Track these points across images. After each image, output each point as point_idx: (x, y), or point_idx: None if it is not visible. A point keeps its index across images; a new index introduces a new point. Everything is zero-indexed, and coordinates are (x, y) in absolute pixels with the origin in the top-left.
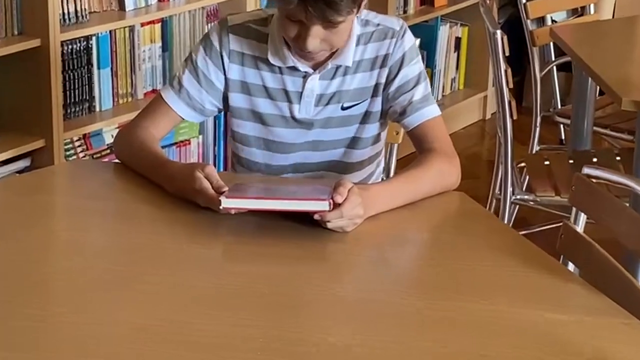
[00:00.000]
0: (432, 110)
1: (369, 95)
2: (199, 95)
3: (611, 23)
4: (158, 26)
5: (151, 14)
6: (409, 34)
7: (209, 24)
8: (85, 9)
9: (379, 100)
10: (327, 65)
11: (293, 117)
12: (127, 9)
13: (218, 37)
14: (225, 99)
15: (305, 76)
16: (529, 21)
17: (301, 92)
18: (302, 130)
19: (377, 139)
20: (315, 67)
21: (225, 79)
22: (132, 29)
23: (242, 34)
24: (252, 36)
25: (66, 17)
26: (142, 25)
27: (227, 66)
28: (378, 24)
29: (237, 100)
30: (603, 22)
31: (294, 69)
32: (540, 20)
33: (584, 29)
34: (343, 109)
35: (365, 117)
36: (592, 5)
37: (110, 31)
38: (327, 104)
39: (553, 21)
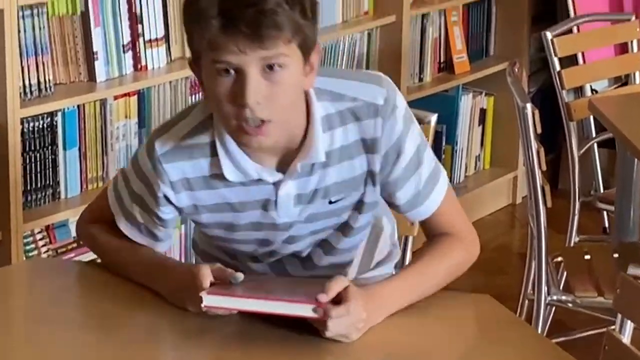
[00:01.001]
0: (440, 190)
1: (361, 185)
2: (155, 229)
3: None
4: (134, 99)
5: (126, 86)
6: (399, 102)
7: (193, 96)
8: (49, 80)
9: (376, 189)
10: (295, 167)
11: (273, 224)
12: (98, 80)
13: (149, 169)
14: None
15: (276, 184)
16: (564, 92)
17: (275, 200)
18: (284, 232)
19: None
20: (283, 171)
21: (177, 207)
22: (103, 102)
23: (180, 158)
24: (193, 155)
25: (27, 90)
26: (116, 98)
27: (173, 199)
28: (355, 98)
29: (198, 218)
30: None
31: (259, 181)
32: (578, 90)
33: (628, 101)
34: (331, 203)
35: (359, 206)
36: (637, 73)
37: (78, 106)
38: (310, 202)
39: (593, 91)
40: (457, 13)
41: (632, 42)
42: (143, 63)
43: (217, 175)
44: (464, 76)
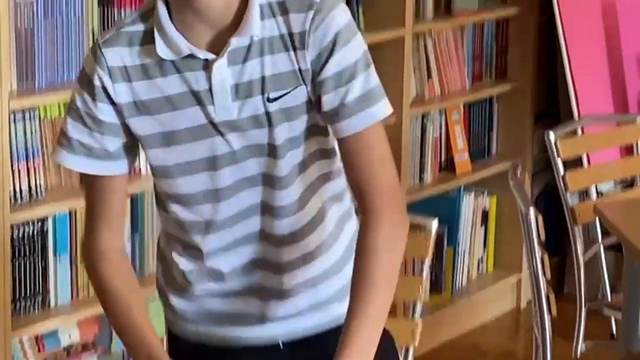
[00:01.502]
0: (369, 116)
1: (296, 83)
2: (92, 139)
3: None
4: (127, 203)
5: None
6: (338, 8)
7: None
8: (40, 185)
9: (306, 90)
10: (228, 44)
11: (212, 122)
12: None
13: (90, 60)
14: (128, 131)
15: (208, 65)
16: (568, 194)
17: (210, 88)
18: (226, 139)
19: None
20: (216, 52)
21: (115, 107)
22: None
23: (118, 43)
24: (132, 41)
25: (17, 195)
26: None
27: (111, 90)
28: None
29: (139, 126)
30: None
31: (191, 58)
32: (583, 192)
33: (634, 206)
34: (270, 100)
35: (290, 114)
36: None
37: (70, 210)
38: (248, 95)
39: (599, 193)
40: (458, 112)
41: (637, 143)
42: (137, 167)
43: (155, 64)
44: (466, 176)
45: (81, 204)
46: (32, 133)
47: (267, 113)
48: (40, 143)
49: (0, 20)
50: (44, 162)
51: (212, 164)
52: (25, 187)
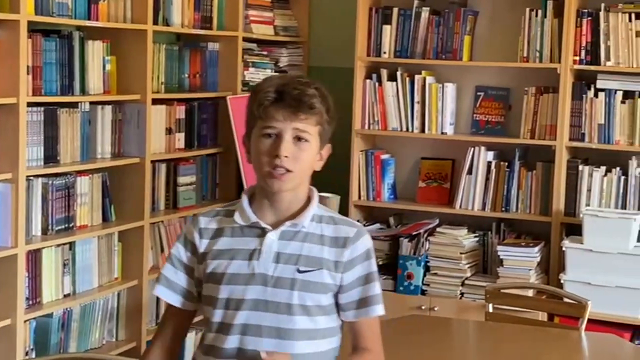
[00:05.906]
0: (380, 309)
1: (327, 268)
2: (175, 276)
3: None
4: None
5: None
6: (367, 237)
7: None
8: None
9: (337, 276)
10: (284, 224)
11: (252, 273)
12: None
13: (189, 225)
14: (199, 280)
15: (264, 233)
16: None
17: (260, 249)
18: (258, 286)
19: (328, 311)
20: (275, 226)
21: (197, 254)
22: None
23: (209, 215)
24: (220, 214)
25: None
26: None
27: (198, 242)
28: (340, 219)
29: (209, 266)
30: None
31: (255, 226)
32: None
33: None
34: (299, 272)
35: (320, 287)
36: None
37: None
38: (285, 262)
39: None
40: None
41: None
42: None
43: (230, 228)
44: None
45: None
46: None
47: (296, 280)
48: None
49: None
50: None
51: (239, 304)
52: None
